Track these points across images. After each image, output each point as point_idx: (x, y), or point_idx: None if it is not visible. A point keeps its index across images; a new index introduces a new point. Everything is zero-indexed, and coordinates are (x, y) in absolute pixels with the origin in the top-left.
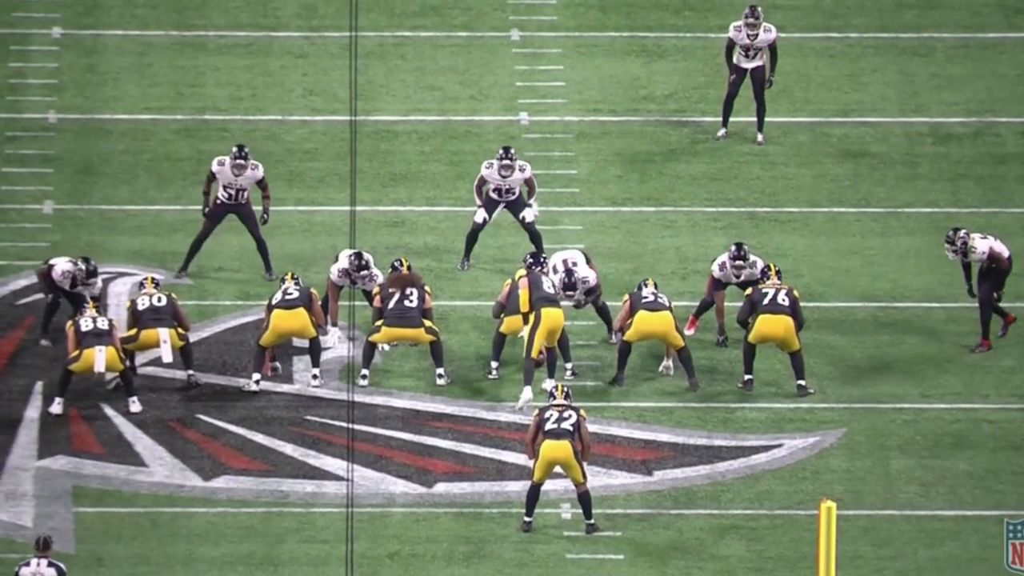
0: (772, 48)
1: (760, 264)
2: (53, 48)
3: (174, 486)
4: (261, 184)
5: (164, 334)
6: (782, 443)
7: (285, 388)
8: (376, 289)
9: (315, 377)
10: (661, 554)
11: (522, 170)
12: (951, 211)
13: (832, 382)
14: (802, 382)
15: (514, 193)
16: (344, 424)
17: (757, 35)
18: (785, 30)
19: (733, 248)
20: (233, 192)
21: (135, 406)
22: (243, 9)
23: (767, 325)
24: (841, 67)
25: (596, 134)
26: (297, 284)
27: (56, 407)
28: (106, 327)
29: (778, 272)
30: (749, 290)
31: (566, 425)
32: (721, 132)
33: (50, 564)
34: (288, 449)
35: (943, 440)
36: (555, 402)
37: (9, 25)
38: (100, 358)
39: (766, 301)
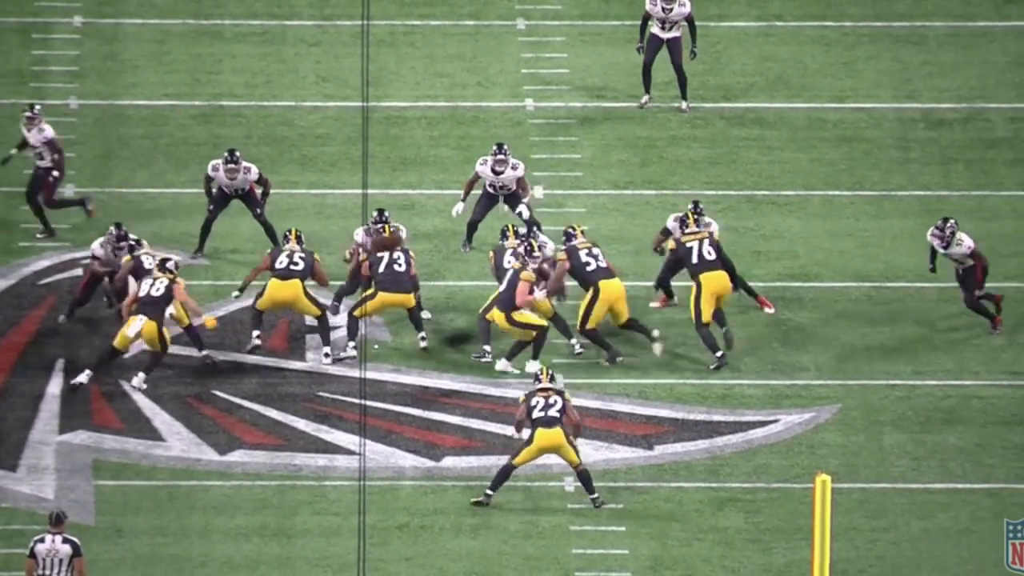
0: (689, 21)
1: (715, 225)
2: (74, 36)
3: (191, 460)
4: (259, 182)
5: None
6: (779, 419)
7: (298, 365)
8: (363, 256)
9: (326, 355)
10: (662, 525)
11: (515, 168)
12: (943, 194)
13: (827, 360)
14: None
15: (509, 190)
16: (355, 400)
17: (672, 9)
18: (782, 18)
19: (691, 205)
20: (232, 191)
21: (137, 380)
22: None
23: (712, 282)
24: (836, 55)
25: (599, 119)
26: (302, 250)
27: (82, 377)
28: (160, 293)
29: (696, 218)
30: (671, 242)
31: (553, 412)
32: (644, 99)
33: (65, 540)
34: (301, 424)
35: (935, 416)
36: (540, 386)
37: (32, 14)
38: (136, 326)
39: (695, 259)
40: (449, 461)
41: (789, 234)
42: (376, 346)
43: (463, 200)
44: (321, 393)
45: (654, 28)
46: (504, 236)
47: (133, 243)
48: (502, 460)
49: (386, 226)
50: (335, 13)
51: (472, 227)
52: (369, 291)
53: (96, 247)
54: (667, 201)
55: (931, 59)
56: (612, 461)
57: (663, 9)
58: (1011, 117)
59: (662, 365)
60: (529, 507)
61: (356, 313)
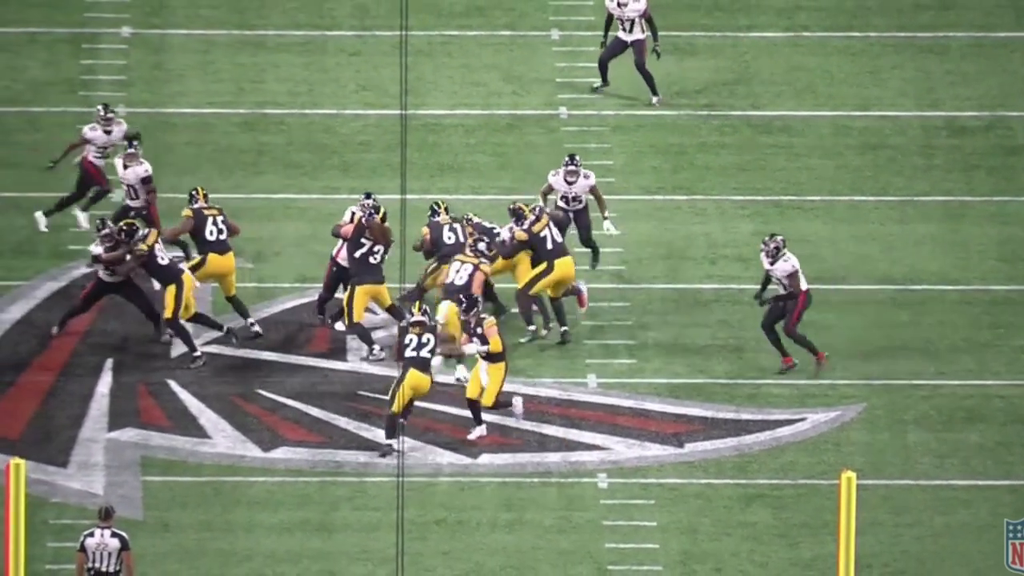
0: (647, 19)
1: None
2: (122, 46)
3: (236, 457)
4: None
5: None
6: (806, 417)
7: (340, 365)
8: (348, 228)
9: (252, 325)
10: (692, 521)
11: (587, 177)
12: (965, 199)
13: (853, 360)
14: (565, 328)
15: (580, 201)
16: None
17: (627, 4)
18: (809, 29)
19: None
20: (126, 188)
21: (436, 362)
22: (300, 10)
23: (563, 269)
24: (862, 64)
25: (631, 127)
26: (218, 210)
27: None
28: (464, 281)
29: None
30: (522, 234)
31: (425, 352)
32: (597, 83)
33: (113, 534)
34: (342, 422)
35: (957, 414)
36: (413, 319)
37: (81, 25)
38: (443, 310)
39: (550, 245)
40: (485, 458)
41: (815, 238)
42: (376, 347)
43: (544, 205)
44: (361, 392)
45: (618, 31)
46: (435, 213)
47: (128, 231)
48: (536, 457)
49: (380, 210)
50: (375, 24)
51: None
52: (348, 292)
53: (94, 246)
54: (697, 206)
55: (954, 69)
56: (644, 458)
57: (619, 5)
58: None
59: (693, 366)
60: (563, 503)
61: (355, 319)
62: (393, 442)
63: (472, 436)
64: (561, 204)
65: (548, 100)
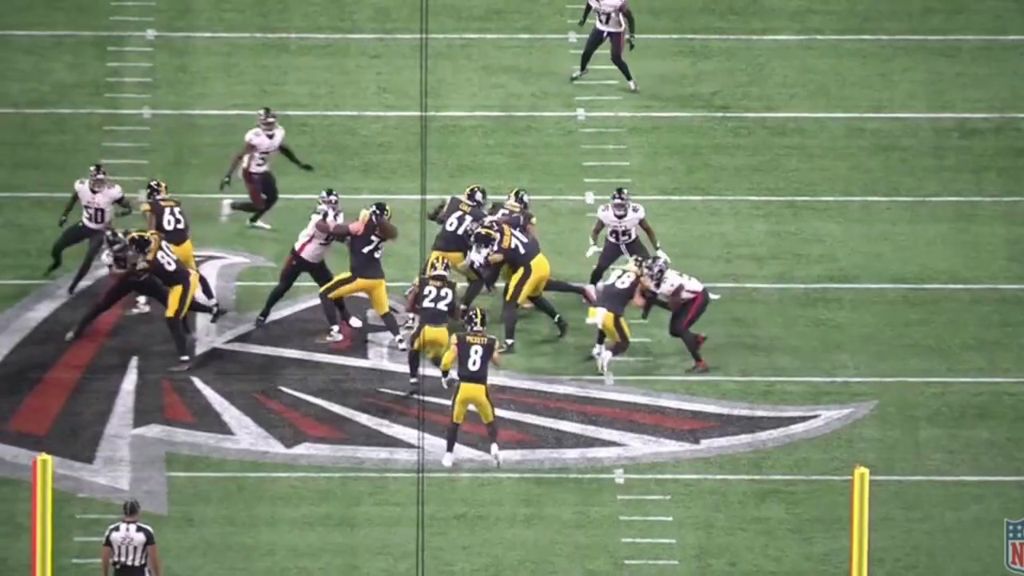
0: (625, 13)
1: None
2: (147, 49)
3: (259, 453)
4: (120, 202)
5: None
6: (819, 414)
7: (361, 363)
8: (359, 226)
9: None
10: (707, 516)
11: (635, 210)
12: (975, 200)
13: (865, 357)
14: (559, 315)
15: (631, 236)
16: (415, 396)
17: None
18: (822, 32)
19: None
20: (92, 212)
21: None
22: (322, 13)
23: (540, 267)
24: (874, 67)
25: (647, 129)
26: (174, 201)
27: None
28: (624, 286)
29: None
30: (497, 256)
31: (442, 306)
32: (576, 72)
33: (139, 529)
34: (363, 419)
35: (968, 411)
36: (435, 273)
37: (107, 28)
38: (598, 316)
39: (522, 251)
40: (504, 454)
41: (829, 238)
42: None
43: (594, 243)
44: (382, 389)
45: (597, 22)
46: (472, 195)
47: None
48: (554, 453)
49: (387, 210)
50: (396, 27)
51: (597, 275)
52: (345, 275)
53: (105, 257)
54: (712, 206)
55: (964, 71)
56: (660, 454)
57: None
58: None
59: (708, 363)
60: (581, 498)
61: (332, 296)
62: (415, 380)
63: (446, 462)
64: (611, 239)
65: (566, 102)
